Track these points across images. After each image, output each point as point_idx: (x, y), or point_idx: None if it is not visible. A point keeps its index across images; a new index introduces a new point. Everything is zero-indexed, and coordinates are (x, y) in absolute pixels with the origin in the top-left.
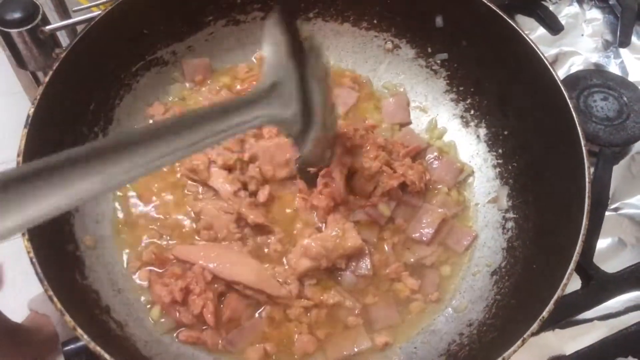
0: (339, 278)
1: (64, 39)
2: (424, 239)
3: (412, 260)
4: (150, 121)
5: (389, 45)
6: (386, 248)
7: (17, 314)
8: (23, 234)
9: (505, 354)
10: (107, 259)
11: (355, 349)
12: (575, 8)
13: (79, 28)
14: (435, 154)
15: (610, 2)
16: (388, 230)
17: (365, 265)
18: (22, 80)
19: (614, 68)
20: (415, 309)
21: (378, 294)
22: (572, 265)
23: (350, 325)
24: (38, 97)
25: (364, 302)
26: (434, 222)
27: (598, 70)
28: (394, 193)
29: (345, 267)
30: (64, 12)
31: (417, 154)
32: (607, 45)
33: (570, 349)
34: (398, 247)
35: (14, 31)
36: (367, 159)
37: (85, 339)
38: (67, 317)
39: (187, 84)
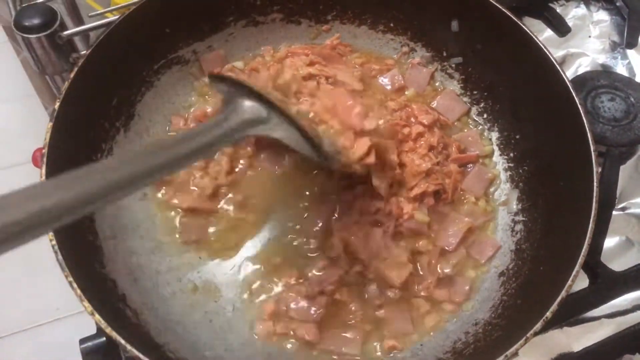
0: (365, 288)
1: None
2: (448, 248)
3: (446, 272)
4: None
5: (405, 48)
6: (420, 265)
7: None
8: None
9: (508, 352)
10: (124, 249)
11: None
12: (582, 10)
13: (93, 34)
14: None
15: (618, 4)
16: (424, 240)
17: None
18: (35, 84)
19: (621, 69)
20: (430, 322)
21: (397, 308)
22: (577, 268)
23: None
24: (63, 92)
25: (379, 313)
26: (459, 231)
27: (605, 72)
28: (426, 198)
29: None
30: (77, 18)
31: (469, 163)
32: (614, 47)
33: (578, 346)
34: (433, 264)
35: (33, 37)
36: (416, 156)
37: (102, 324)
38: (86, 303)
39: (206, 79)
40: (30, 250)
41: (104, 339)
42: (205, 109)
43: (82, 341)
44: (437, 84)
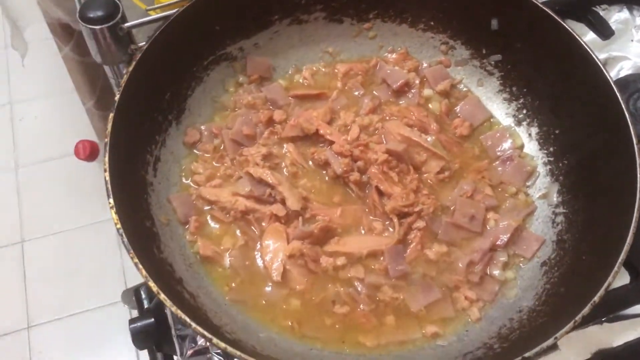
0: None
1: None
2: (500, 243)
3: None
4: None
5: (444, 47)
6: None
7: None
8: (112, 207)
9: (558, 334)
10: (178, 236)
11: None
12: (625, 14)
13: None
14: (510, 152)
15: None
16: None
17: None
18: (75, 80)
19: None
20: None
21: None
22: (622, 255)
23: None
24: (123, 85)
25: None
26: (510, 227)
27: None
28: None
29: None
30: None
31: None
32: None
33: (617, 343)
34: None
35: (96, 28)
36: None
37: (168, 303)
38: (151, 283)
39: (241, 77)
40: None
41: (152, 320)
42: (221, 125)
43: (131, 321)
44: (460, 87)
